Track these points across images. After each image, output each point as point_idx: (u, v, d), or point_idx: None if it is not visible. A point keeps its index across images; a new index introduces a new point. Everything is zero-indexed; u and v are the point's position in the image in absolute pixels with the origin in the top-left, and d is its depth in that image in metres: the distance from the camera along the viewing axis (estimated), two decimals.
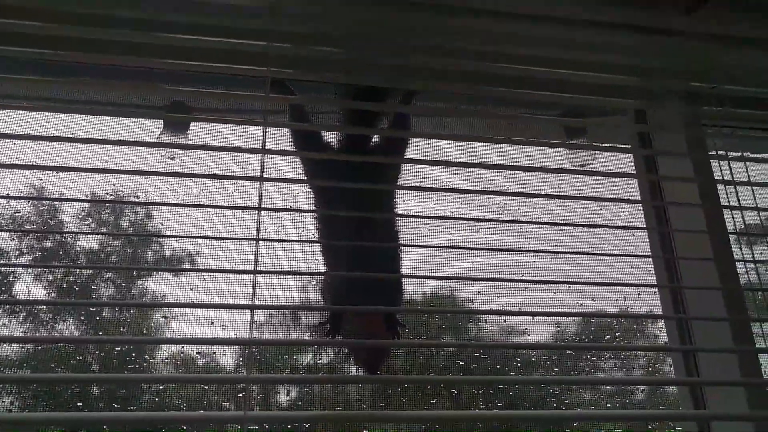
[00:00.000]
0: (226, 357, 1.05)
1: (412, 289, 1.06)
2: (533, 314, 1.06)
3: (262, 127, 0.91)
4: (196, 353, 1.05)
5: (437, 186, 1.13)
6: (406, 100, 1.09)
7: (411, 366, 1.06)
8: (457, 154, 1.12)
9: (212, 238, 1.00)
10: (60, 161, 1.04)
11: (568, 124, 1.21)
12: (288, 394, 1.03)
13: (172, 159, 1.18)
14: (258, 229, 0.86)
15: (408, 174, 1.08)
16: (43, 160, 1.04)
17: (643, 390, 1.13)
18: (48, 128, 1.09)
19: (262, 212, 0.88)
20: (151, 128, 1.16)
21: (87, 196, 1.12)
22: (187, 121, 1.17)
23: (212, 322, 1.00)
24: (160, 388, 1.03)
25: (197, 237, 1.03)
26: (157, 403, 1.02)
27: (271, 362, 1.07)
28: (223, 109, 1.15)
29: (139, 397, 1.03)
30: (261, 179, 0.88)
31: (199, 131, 1.15)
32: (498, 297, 1.08)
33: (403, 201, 1.06)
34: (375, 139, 1.07)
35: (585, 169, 1.22)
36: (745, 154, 1.15)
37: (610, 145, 1.26)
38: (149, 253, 1.21)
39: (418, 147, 1.10)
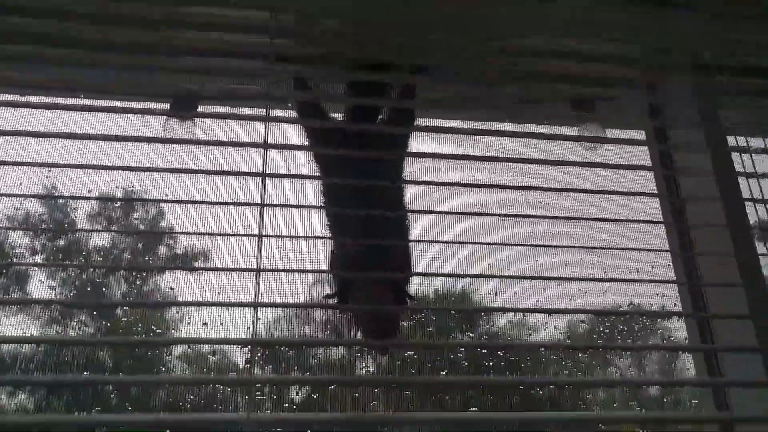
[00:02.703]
0: (239, 355, 1.03)
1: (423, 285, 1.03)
2: (548, 311, 1.00)
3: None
4: (209, 353, 1.03)
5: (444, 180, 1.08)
6: (412, 72, 1.07)
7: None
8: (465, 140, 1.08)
9: (216, 234, 0.96)
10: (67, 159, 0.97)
11: (578, 96, 1.14)
12: (298, 394, 1.00)
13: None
14: (261, 225, 0.84)
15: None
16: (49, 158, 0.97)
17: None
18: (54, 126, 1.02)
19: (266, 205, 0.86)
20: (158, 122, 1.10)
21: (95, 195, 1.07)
22: (195, 106, 1.10)
23: (221, 323, 0.96)
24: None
25: (204, 233, 0.99)
26: (170, 402, 0.99)
27: (286, 359, 1.04)
28: (226, 96, 1.10)
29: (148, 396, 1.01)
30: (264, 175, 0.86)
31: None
32: (515, 293, 1.03)
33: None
34: (382, 115, 1.06)
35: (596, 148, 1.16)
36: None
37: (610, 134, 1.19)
38: (162, 250, 1.20)
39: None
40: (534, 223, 0.98)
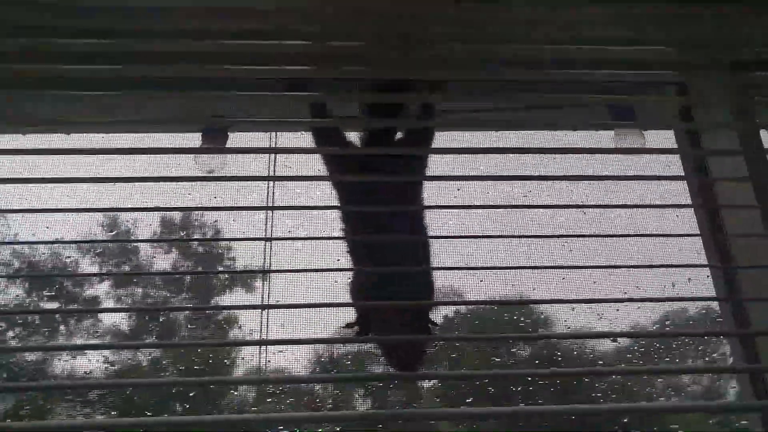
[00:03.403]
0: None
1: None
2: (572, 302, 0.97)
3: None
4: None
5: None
6: (428, 111, 1.04)
7: None
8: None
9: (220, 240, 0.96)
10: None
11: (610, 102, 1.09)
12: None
13: (210, 173, 1.16)
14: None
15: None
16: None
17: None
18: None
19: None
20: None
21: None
22: (226, 133, 1.12)
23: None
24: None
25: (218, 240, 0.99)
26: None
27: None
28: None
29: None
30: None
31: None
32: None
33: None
34: (399, 135, 1.04)
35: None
36: None
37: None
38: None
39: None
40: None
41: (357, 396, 1.05)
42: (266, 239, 0.96)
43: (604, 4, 0.97)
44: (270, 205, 1.01)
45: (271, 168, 1.08)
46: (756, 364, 0.91)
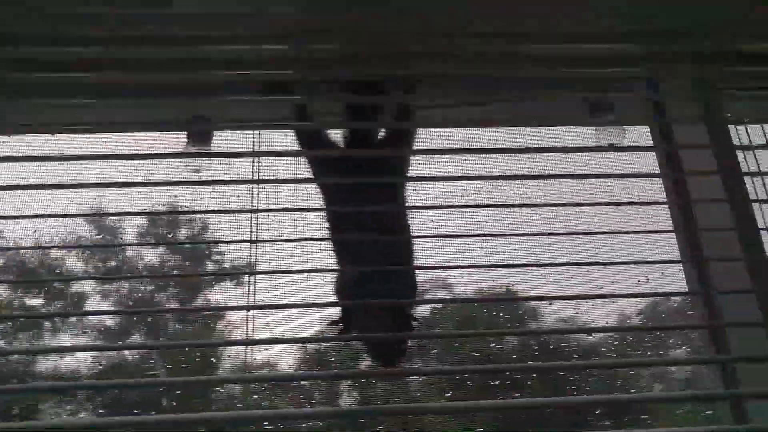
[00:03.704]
0: None
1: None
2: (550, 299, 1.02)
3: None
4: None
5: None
6: (408, 90, 1.06)
7: None
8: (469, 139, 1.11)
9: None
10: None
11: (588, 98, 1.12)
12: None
13: (197, 172, 1.17)
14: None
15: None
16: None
17: None
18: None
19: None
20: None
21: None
22: (210, 135, 1.15)
23: None
24: None
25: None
26: None
27: None
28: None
29: None
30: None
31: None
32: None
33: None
34: (381, 133, 1.07)
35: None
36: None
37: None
38: (209, 265, 1.25)
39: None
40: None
41: (343, 391, 1.07)
42: (251, 241, 0.97)
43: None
44: (255, 207, 1.03)
45: (256, 168, 1.10)
46: (726, 354, 0.95)
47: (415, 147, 1.07)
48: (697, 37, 1.06)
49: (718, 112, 1.06)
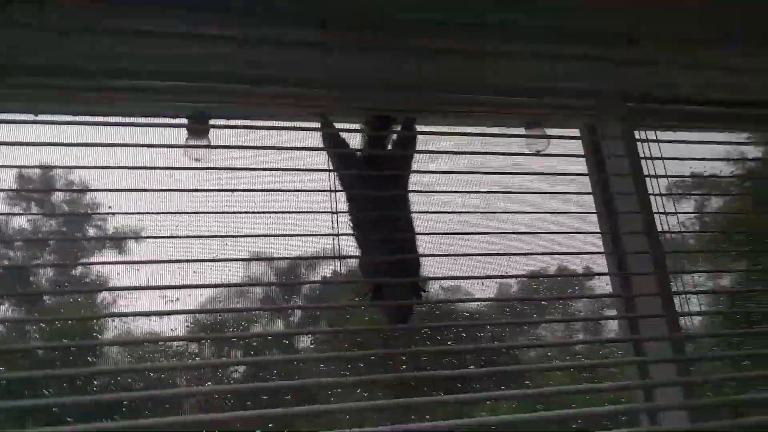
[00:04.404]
0: None
1: None
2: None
3: None
4: None
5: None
6: (410, 123, 1.35)
7: None
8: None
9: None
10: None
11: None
12: None
13: (198, 161, 1.32)
14: None
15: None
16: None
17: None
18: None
19: None
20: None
21: None
22: (207, 130, 1.33)
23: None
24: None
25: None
26: None
27: None
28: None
29: None
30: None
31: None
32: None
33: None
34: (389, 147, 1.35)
35: (542, 155, 1.49)
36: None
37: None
38: (91, 231, 1.34)
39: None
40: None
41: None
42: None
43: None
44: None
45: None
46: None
47: None
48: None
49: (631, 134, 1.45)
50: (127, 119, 1.25)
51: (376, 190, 1.22)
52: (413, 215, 1.27)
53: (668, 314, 1.30)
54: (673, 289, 1.34)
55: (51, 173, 1.31)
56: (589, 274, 1.48)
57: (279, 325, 1.40)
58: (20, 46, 1.14)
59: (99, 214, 1.28)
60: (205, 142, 1.34)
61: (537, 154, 1.49)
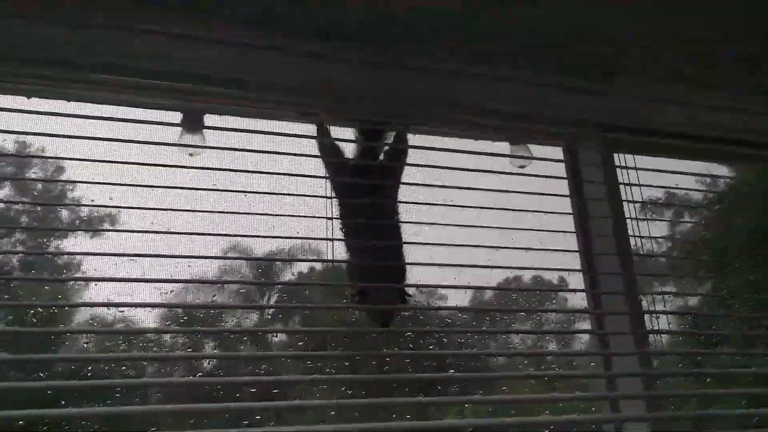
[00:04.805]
0: None
1: None
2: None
3: None
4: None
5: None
6: (402, 136, 1.41)
7: None
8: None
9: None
10: None
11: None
12: None
13: (191, 156, 1.35)
14: None
15: None
16: None
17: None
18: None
19: None
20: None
21: None
22: (202, 124, 1.37)
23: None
24: None
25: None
26: None
27: None
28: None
29: None
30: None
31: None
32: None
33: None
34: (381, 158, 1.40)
35: (524, 171, 1.56)
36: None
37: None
38: (63, 213, 1.36)
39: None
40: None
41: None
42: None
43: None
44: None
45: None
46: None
47: None
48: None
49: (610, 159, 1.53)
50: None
51: (364, 199, 1.28)
52: (400, 224, 1.32)
53: (636, 331, 1.37)
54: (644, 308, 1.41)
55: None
56: (564, 290, 1.56)
57: (252, 320, 1.44)
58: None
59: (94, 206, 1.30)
60: (199, 139, 1.39)
61: (521, 168, 1.56)
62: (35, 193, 1.36)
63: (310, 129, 1.37)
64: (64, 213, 1.36)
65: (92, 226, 1.29)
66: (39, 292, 1.23)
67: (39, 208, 1.34)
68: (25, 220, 1.34)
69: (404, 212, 1.34)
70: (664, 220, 1.65)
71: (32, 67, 1.19)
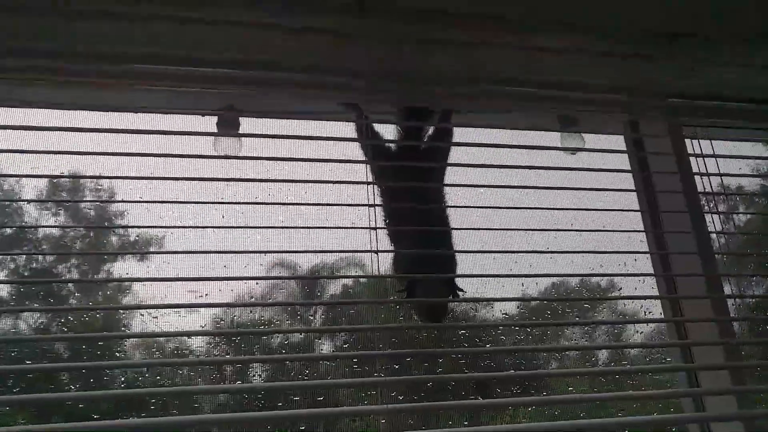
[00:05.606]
0: None
1: None
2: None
3: None
4: None
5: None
6: (446, 115, 1.31)
7: None
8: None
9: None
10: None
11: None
12: None
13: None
14: None
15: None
16: None
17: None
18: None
19: None
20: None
21: None
22: (237, 123, 1.29)
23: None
24: None
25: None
26: None
27: None
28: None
29: None
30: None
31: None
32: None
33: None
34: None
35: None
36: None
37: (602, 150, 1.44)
38: (114, 239, 1.34)
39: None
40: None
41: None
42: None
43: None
44: None
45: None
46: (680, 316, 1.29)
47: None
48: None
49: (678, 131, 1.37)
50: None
51: (410, 182, 1.18)
52: (448, 210, 1.22)
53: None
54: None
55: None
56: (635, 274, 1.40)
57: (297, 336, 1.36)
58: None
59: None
60: (236, 143, 1.32)
61: (574, 152, 1.43)
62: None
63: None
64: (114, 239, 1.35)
65: (139, 247, 1.29)
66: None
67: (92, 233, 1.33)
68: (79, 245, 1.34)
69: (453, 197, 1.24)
70: (743, 194, 1.47)
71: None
